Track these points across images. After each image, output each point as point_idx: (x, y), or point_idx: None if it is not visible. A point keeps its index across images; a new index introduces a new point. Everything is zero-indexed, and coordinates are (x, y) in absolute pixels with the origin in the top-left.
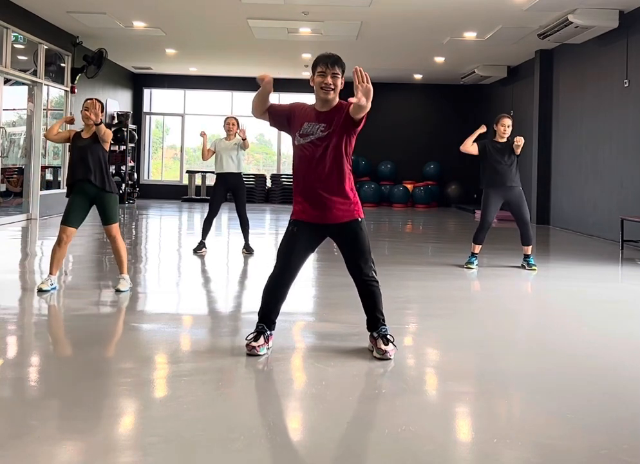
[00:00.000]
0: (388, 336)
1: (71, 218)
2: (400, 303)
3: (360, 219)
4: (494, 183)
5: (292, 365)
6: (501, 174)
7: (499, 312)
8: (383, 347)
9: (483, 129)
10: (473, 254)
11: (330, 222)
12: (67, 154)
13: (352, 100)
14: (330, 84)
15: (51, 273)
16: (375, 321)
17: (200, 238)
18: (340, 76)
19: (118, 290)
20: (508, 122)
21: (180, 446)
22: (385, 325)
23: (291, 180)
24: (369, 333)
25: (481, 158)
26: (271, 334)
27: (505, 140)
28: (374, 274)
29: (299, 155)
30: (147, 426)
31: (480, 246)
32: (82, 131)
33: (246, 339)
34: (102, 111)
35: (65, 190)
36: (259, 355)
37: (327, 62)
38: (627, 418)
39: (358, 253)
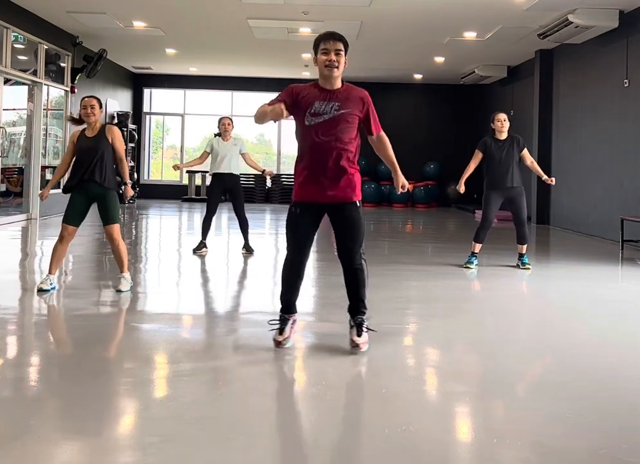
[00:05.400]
0: (364, 327)
1: (72, 217)
2: (400, 303)
3: (357, 202)
4: (496, 185)
5: (292, 365)
6: (503, 176)
7: (499, 312)
8: (355, 338)
9: (462, 188)
10: (473, 254)
11: (330, 201)
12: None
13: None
14: (334, 61)
15: (50, 272)
16: (355, 307)
17: (200, 238)
18: (343, 53)
19: (119, 291)
20: (502, 116)
21: (180, 446)
22: (363, 314)
23: (292, 180)
24: (349, 318)
25: (485, 156)
26: (294, 321)
27: (505, 136)
28: (363, 262)
29: (311, 135)
30: (147, 426)
31: (481, 245)
32: (84, 130)
33: (274, 336)
34: (101, 108)
35: (61, 188)
36: (285, 348)
37: (330, 39)
38: (627, 418)
39: (352, 239)
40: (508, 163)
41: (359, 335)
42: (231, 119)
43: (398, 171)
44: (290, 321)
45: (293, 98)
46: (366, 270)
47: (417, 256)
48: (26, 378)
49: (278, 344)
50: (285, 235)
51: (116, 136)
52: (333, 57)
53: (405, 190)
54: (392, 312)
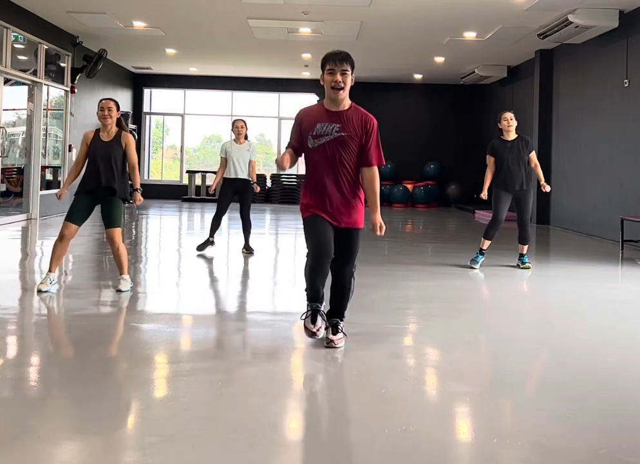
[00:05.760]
0: (339, 327)
1: (75, 216)
2: (400, 303)
3: (361, 228)
4: (506, 186)
5: (292, 365)
6: (513, 178)
7: (500, 312)
8: (330, 335)
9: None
10: (481, 251)
11: (337, 225)
12: (68, 153)
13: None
14: (340, 82)
15: (50, 270)
16: (334, 313)
17: (208, 236)
18: (349, 73)
19: (119, 290)
20: (509, 115)
21: (180, 446)
22: (340, 320)
23: (292, 180)
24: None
25: (495, 158)
26: (323, 313)
27: (513, 136)
28: (352, 280)
29: (312, 158)
30: (147, 426)
31: (490, 242)
32: (98, 131)
33: (302, 319)
34: (118, 111)
35: (63, 188)
36: (318, 338)
37: (335, 59)
38: (627, 418)
39: (346, 261)
40: (517, 165)
41: (334, 333)
42: (244, 122)
43: (378, 210)
44: (322, 309)
45: (301, 127)
46: (353, 286)
47: (417, 256)
48: (26, 378)
49: (312, 334)
50: (305, 239)
51: (131, 145)
52: (339, 78)
53: (383, 233)
54: (392, 312)
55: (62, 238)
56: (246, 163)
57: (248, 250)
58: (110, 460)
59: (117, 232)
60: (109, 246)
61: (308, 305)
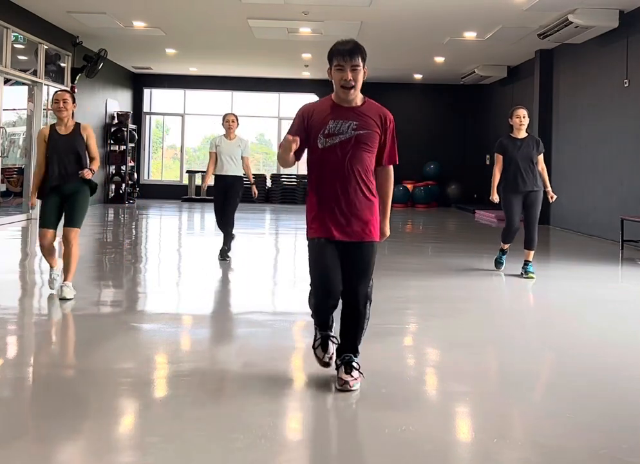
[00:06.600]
0: (353, 364)
1: (47, 220)
2: (400, 303)
3: (376, 242)
4: (514, 188)
5: (292, 365)
6: (523, 179)
7: (500, 312)
8: (343, 375)
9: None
10: (502, 251)
11: (349, 239)
12: None
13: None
14: (350, 81)
15: (52, 266)
16: (347, 349)
17: (222, 245)
18: (361, 67)
19: (63, 299)
20: (522, 112)
21: (180, 446)
22: (353, 355)
23: (292, 179)
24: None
25: (503, 156)
26: (334, 336)
27: (524, 135)
28: (368, 304)
29: (324, 159)
30: (147, 426)
31: (508, 244)
32: (53, 126)
33: (313, 347)
34: (74, 103)
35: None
36: (331, 367)
37: (344, 54)
38: (627, 418)
39: (362, 277)
40: (528, 165)
41: (348, 372)
42: (236, 116)
43: (388, 216)
44: (332, 336)
45: (306, 123)
46: (369, 314)
47: (417, 256)
48: (26, 378)
49: (325, 364)
50: (309, 271)
51: (91, 135)
52: (349, 76)
53: (384, 239)
54: (392, 312)
55: (42, 248)
56: (237, 159)
57: (222, 256)
58: (110, 460)
59: (75, 232)
60: (63, 246)
61: (316, 330)
